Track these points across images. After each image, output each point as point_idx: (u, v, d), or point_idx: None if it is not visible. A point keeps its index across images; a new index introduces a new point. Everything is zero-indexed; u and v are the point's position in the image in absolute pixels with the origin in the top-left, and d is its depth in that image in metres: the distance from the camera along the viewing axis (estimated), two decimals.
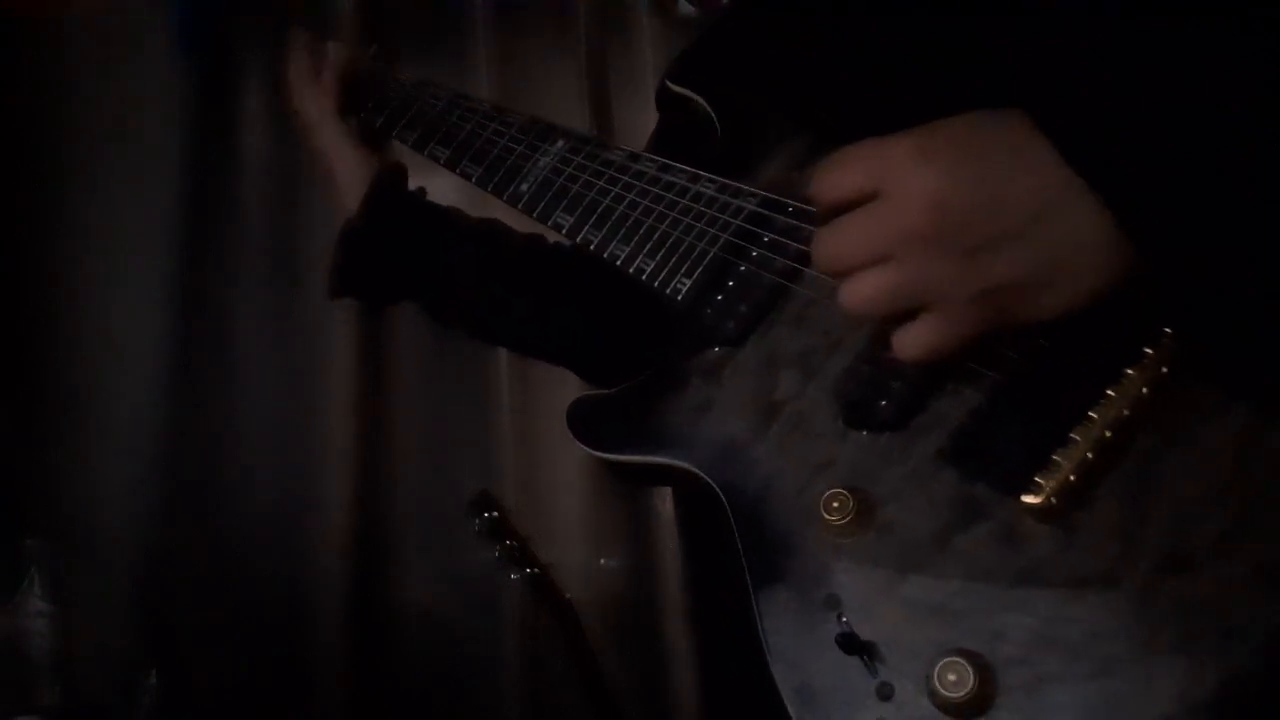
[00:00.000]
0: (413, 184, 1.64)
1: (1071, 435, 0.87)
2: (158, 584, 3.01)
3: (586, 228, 1.28)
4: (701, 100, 1.28)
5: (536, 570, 2.54)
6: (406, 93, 1.59)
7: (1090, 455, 0.86)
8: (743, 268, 1.13)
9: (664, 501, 3.28)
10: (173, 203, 3.19)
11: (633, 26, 3.48)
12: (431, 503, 3.18)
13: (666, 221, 1.21)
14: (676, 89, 1.32)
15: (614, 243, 1.25)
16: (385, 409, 3.28)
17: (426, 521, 3.17)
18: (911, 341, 0.89)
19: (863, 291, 0.89)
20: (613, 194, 1.28)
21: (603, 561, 3.26)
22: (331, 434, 3.20)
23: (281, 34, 1.69)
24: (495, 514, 2.51)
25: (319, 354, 3.23)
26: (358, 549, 3.14)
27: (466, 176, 1.46)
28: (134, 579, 3.00)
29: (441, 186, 1.67)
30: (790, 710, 0.91)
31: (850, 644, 0.89)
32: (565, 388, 3.05)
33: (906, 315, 0.89)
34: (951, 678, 0.83)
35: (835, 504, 0.94)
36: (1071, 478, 0.86)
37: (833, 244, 0.92)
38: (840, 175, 0.92)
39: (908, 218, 0.87)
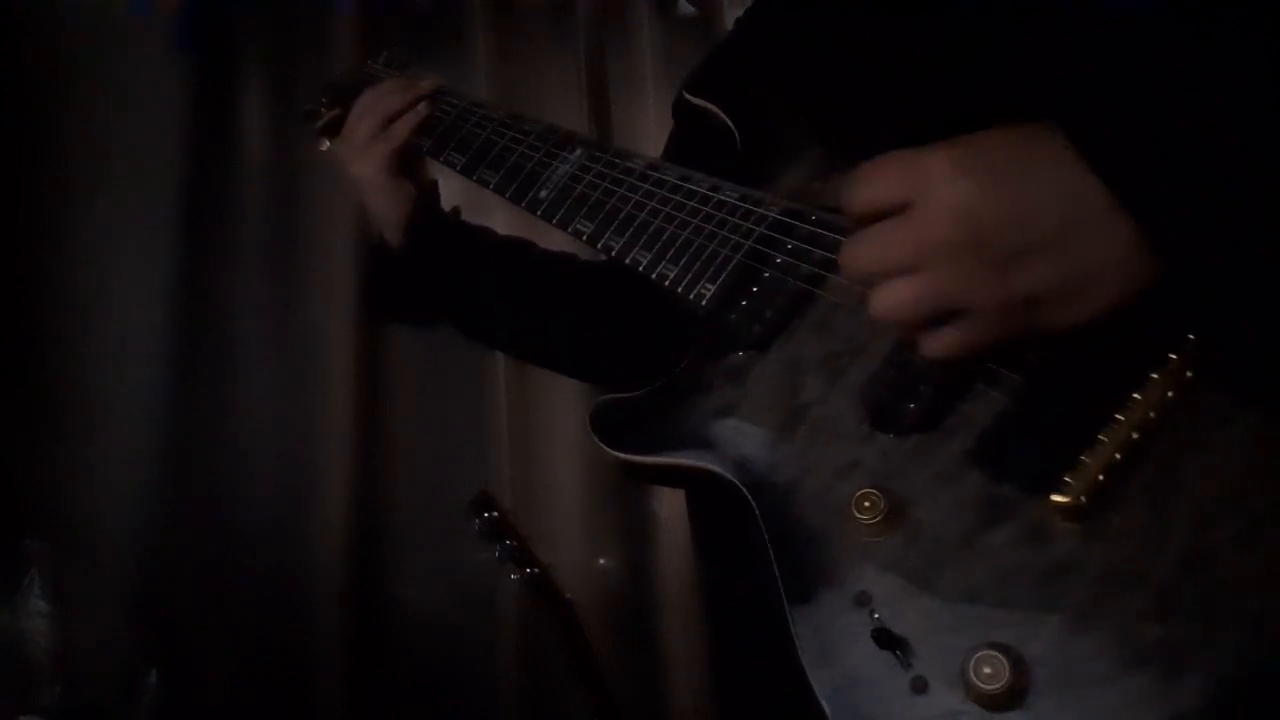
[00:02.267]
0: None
1: (1099, 437, 0.88)
2: (158, 584, 3.01)
3: (607, 234, 1.30)
4: (720, 112, 1.29)
5: (536, 570, 2.54)
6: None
7: (1118, 456, 0.88)
8: (766, 274, 1.15)
9: (661, 503, 3.30)
10: (173, 203, 3.19)
11: (633, 26, 3.49)
12: (431, 503, 3.19)
13: (689, 229, 1.22)
14: (694, 100, 1.33)
15: (636, 249, 1.26)
16: (385, 409, 3.28)
17: (426, 521, 3.17)
18: (936, 344, 0.91)
19: (894, 299, 0.90)
20: (633, 201, 1.29)
21: (601, 562, 3.27)
22: (331, 434, 3.21)
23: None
24: (495, 514, 2.52)
25: (319, 354, 3.24)
26: (357, 549, 3.15)
27: (484, 183, 1.48)
28: (134, 579, 3.00)
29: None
30: (825, 706, 0.92)
31: (884, 639, 0.90)
32: (563, 389, 3.09)
33: (934, 324, 0.91)
34: (987, 670, 0.85)
35: (867, 504, 0.95)
36: (1100, 478, 0.87)
37: (864, 251, 0.93)
38: (874, 185, 0.93)
39: (940, 228, 0.88)
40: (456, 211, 1.67)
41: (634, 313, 1.42)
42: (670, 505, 3.24)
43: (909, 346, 0.95)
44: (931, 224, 0.88)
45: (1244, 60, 0.89)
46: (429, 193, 1.64)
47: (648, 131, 3.33)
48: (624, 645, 3.17)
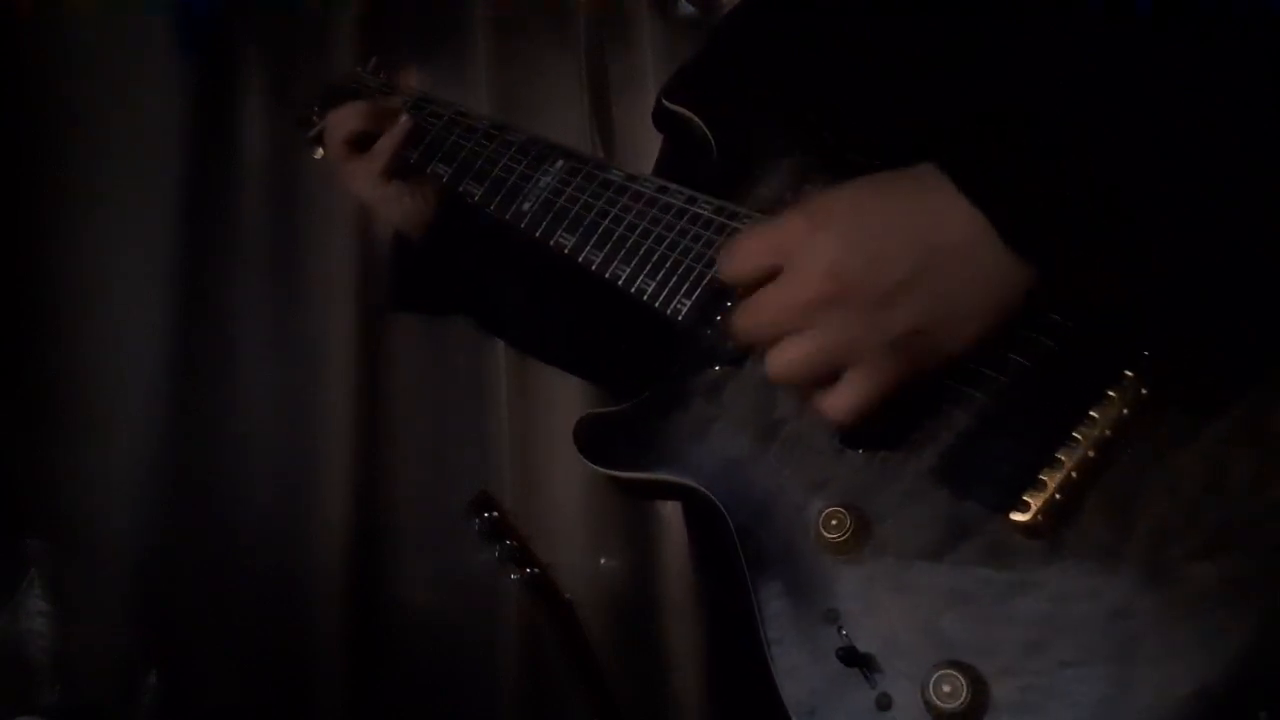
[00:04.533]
0: None
1: (1057, 455, 0.90)
2: (158, 584, 3.02)
3: (588, 248, 1.29)
4: (695, 117, 1.29)
5: (536, 570, 2.54)
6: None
7: (1075, 474, 0.89)
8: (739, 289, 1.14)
9: (664, 503, 3.28)
10: (173, 203, 3.19)
11: (633, 26, 3.47)
12: (431, 503, 3.19)
13: (665, 243, 1.22)
14: (671, 106, 1.32)
15: (615, 263, 1.26)
16: (385, 409, 3.28)
17: (426, 521, 3.18)
18: (837, 403, 0.95)
19: (785, 361, 0.96)
20: (612, 215, 1.29)
21: (603, 561, 3.26)
22: (331, 434, 3.21)
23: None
24: (495, 514, 2.51)
25: (319, 354, 3.24)
26: (357, 549, 3.15)
27: (469, 196, 1.47)
28: (134, 579, 3.01)
29: None
30: (794, 719, 0.94)
31: (850, 656, 0.92)
32: (564, 389, 3.08)
33: (831, 378, 0.95)
34: (946, 689, 0.86)
35: (834, 521, 0.96)
36: (1058, 496, 0.89)
37: (749, 321, 0.99)
38: (744, 258, 0.99)
39: (811, 287, 0.94)
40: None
41: (633, 316, 1.41)
42: (673, 505, 3.22)
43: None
44: (802, 285, 0.94)
45: (1180, 76, 0.92)
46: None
47: (648, 131, 3.28)
48: (627, 645, 3.17)
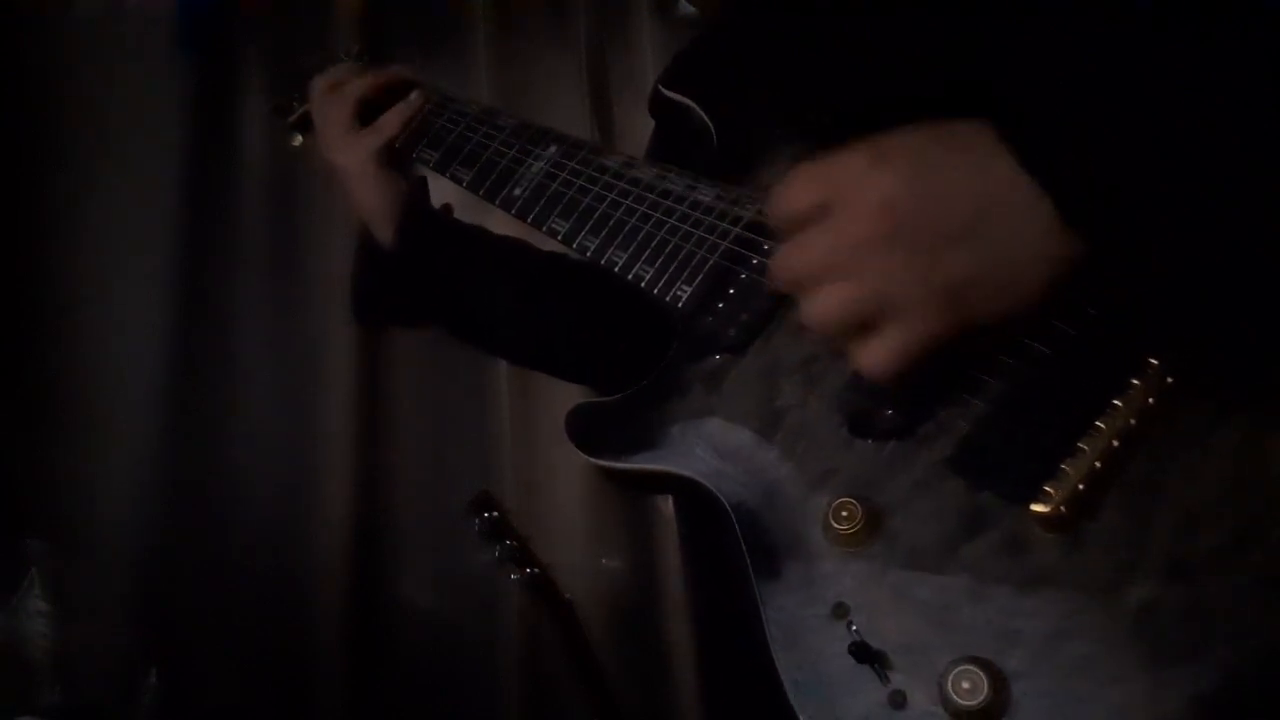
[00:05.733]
0: None
1: (1079, 445, 0.87)
2: (157, 584, 3.02)
3: (583, 234, 1.28)
4: (695, 105, 1.27)
5: (536, 570, 2.53)
6: None
7: (1098, 465, 0.86)
8: (744, 276, 1.13)
9: (666, 501, 3.26)
10: (173, 203, 3.19)
11: (633, 26, 3.47)
12: (431, 503, 3.18)
13: (664, 229, 1.20)
14: (669, 94, 1.31)
15: (611, 249, 1.24)
16: (385, 409, 3.28)
17: (426, 521, 3.17)
18: (875, 354, 0.88)
19: (823, 305, 0.89)
20: (609, 200, 1.27)
21: (604, 561, 3.25)
22: (331, 434, 3.21)
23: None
24: (495, 514, 2.51)
25: (319, 354, 3.24)
26: (358, 549, 3.15)
27: (457, 181, 1.45)
28: (134, 579, 3.00)
29: None
30: (802, 719, 0.91)
31: (862, 653, 0.89)
32: (565, 388, 3.06)
33: (868, 330, 0.88)
34: (965, 685, 0.83)
35: (844, 513, 0.94)
36: (1080, 487, 0.86)
37: (793, 261, 0.92)
38: (793, 193, 0.92)
39: (861, 225, 0.87)
40: (449, 209, 1.61)
41: (632, 313, 1.40)
42: (674, 511, 3.22)
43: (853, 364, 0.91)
44: (852, 221, 0.87)
45: (1194, 61, 0.89)
46: (418, 188, 1.58)
47: (648, 131, 3.30)
48: (629, 646, 3.16)
